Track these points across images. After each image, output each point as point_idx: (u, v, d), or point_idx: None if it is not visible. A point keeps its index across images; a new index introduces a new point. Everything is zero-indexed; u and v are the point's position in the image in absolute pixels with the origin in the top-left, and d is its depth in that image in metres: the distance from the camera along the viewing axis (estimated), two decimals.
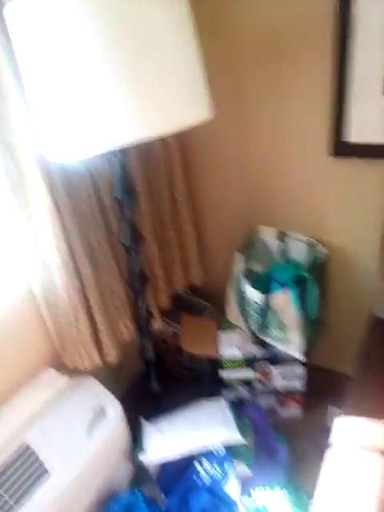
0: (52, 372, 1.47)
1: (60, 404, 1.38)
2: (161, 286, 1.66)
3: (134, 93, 0.91)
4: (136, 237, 1.32)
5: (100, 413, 1.40)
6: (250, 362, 1.63)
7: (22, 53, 0.93)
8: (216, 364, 1.66)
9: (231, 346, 1.64)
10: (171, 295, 1.75)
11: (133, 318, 1.56)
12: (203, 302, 1.87)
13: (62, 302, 1.33)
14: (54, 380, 1.44)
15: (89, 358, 1.43)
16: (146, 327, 1.47)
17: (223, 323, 1.73)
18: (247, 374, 1.66)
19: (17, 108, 1.08)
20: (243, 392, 1.72)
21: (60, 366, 1.48)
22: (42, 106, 0.96)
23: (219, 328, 1.72)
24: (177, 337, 1.79)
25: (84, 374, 1.47)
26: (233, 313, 1.66)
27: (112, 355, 1.46)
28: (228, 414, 1.55)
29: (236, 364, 1.63)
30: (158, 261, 1.62)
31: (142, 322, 1.45)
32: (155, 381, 1.59)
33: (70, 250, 1.28)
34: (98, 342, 1.44)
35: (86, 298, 1.37)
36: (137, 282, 1.38)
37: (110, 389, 1.46)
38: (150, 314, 1.47)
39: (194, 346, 1.67)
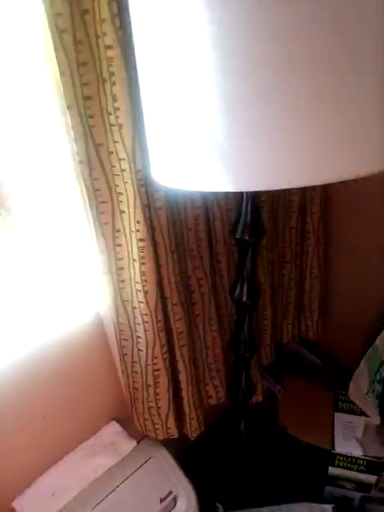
0: (117, 430, 1.18)
1: (121, 478, 1.07)
2: (266, 340, 1.28)
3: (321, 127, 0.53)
4: (255, 292, 0.94)
5: (170, 503, 1.08)
6: (372, 466, 1.20)
7: (149, 57, 0.58)
8: (324, 455, 1.25)
9: (350, 440, 1.21)
10: (277, 350, 1.36)
11: (225, 379, 1.20)
12: (315, 359, 1.45)
13: (141, 355, 1.00)
14: (118, 443, 1.15)
15: (163, 428, 1.10)
16: (245, 403, 1.10)
17: (341, 401, 1.30)
18: (366, 478, 1.23)
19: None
20: (354, 495, 1.30)
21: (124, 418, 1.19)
22: (169, 122, 0.61)
23: (335, 407, 1.29)
24: (274, 400, 1.40)
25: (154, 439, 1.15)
26: (359, 393, 1.23)
27: (194, 429, 1.11)
28: None
29: (353, 465, 1.21)
30: (269, 307, 1.23)
31: (240, 397, 1.08)
32: (240, 463, 1.22)
33: (160, 291, 0.94)
34: (178, 411, 1.10)
35: (172, 355, 1.03)
36: (244, 350, 1.01)
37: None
38: (253, 387, 1.10)
39: (297, 426, 1.27)
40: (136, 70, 0.67)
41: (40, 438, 1.04)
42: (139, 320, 0.96)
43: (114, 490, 1.05)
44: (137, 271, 0.90)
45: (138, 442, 1.16)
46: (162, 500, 1.07)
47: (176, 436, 1.12)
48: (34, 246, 0.97)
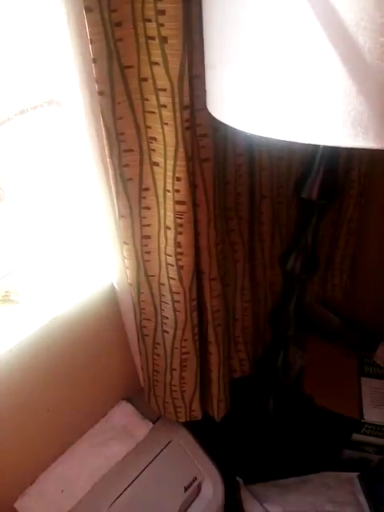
0: (128, 411, 1.03)
1: (138, 468, 0.94)
2: None
3: None
4: (313, 265, 0.76)
5: (195, 489, 0.97)
6: None
7: None
8: (351, 423, 1.18)
9: (378, 407, 1.13)
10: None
11: (252, 351, 1.05)
12: (338, 320, 1.33)
13: (167, 337, 0.83)
14: (132, 426, 1.00)
15: (186, 411, 0.96)
16: (278, 382, 0.97)
17: (367, 364, 1.20)
18: None
19: None
20: (373, 457, 1.25)
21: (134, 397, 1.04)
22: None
23: (360, 370, 1.20)
24: (298, 362, 1.29)
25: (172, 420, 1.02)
26: None
27: (221, 410, 0.98)
28: (362, 502, 1.10)
29: (380, 432, 1.14)
30: None
31: (275, 376, 0.95)
32: (265, 438, 1.13)
33: (196, 265, 0.74)
34: (204, 392, 0.96)
35: (203, 336, 0.86)
36: (285, 328, 0.85)
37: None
38: (289, 366, 0.96)
39: (323, 394, 1.17)
40: None
41: (42, 425, 0.87)
42: (168, 298, 0.77)
43: (131, 483, 0.92)
44: (170, 241, 0.69)
45: (154, 423, 1.02)
46: (186, 488, 0.96)
47: (200, 418, 0.98)
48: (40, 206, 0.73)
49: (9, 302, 0.74)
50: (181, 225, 0.66)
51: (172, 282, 0.74)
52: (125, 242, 0.71)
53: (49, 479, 0.91)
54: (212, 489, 0.98)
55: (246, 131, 0.47)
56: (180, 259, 0.70)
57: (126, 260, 0.73)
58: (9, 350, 0.70)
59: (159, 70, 0.54)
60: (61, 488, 0.90)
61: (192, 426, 1.04)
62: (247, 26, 0.40)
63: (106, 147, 0.60)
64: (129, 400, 1.04)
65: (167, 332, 0.82)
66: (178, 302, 0.76)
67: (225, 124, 0.49)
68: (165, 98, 0.56)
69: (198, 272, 0.76)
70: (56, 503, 0.89)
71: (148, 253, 0.73)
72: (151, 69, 0.54)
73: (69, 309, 0.77)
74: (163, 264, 0.73)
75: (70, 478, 0.91)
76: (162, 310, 0.80)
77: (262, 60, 0.40)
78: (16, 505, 0.88)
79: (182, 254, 0.70)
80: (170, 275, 0.73)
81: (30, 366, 0.76)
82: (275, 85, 0.40)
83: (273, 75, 0.40)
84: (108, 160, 0.61)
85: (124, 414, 1.02)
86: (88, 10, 0.49)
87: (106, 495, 0.90)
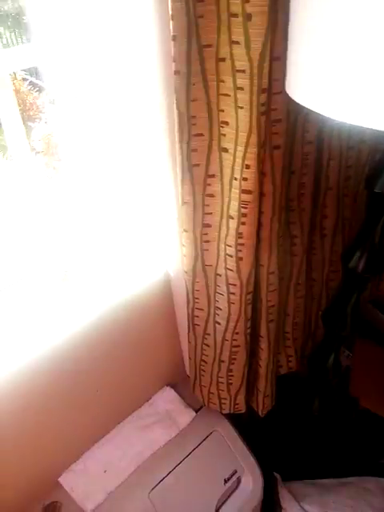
0: (172, 397, 1.03)
1: (180, 455, 0.94)
2: None
3: None
4: (379, 264, 0.72)
5: (234, 483, 0.96)
6: None
7: None
8: None
9: None
10: None
11: (301, 347, 1.02)
12: None
13: (219, 328, 0.81)
14: (175, 413, 1.00)
15: (230, 403, 0.94)
16: (327, 382, 0.94)
17: None
18: None
19: None
20: None
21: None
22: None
23: None
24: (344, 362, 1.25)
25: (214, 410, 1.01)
26: None
27: (266, 406, 0.96)
28: None
29: None
30: None
31: (324, 376, 0.92)
32: (309, 437, 1.10)
33: (256, 257, 0.71)
34: (250, 386, 0.94)
35: (255, 331, 0.84)
36: (341, 328, 0.81)
37: None
38: (340, 367, 0.92)
39: (368, 396, 1.13)
40: None
41: (90, 404, 0.88)
42: (223, 290, 0.75)
43: (172, 470, 0.92)
44: (231, 231, 0.67)
45: (196, 412, 1.01)
46: (225, 481, 0.95)
47: (243, 411, 0.97)
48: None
49: (67, 280, 0.75)
50: (245, 215, 0.64)
51: (229, 273, 0.72)
52: (185, 230, 0.69)
53: (93, 458, 0.92)
54: (251, 483, 0.96)
55: (329, 116, 0.43)
56: (240, 250, 0.68)
57: (183, 248, 0.72)
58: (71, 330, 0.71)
59: (239, 50, 0.51)
60: (104, 468, 0.91)
61: (233, 418, 1.03)
62: (338, 4, 0.36)
63: (176, 130, 0.58)
64: (173, 386, 1.04)
65: (219, 323, 0.80)
66: (233, 294, 0.74)
67: (295, 110, 0.46)
68: (242, 80, 0.53)
69: (257, 266, 0.73)
70: (98, 483, 0.90)
71: (207, 242, 0.71)
72: (231, 48, 0.51)
73: (124, 293, 0.77)
74: (222, 254, 0.71)
75: (113, 459, 0.92)
76: (215, 300, 0.78)
77: (350, 41, 0.37)
78: (60, 479, 0.90)
79: (242, 245, 0.67)
80: (228, 266, 0.71)
81: (84, 345, 0.77)
82: (363, 67, 0.37)
83: (361, 56, 0.37)
84: (177, 144, 0.59)
85: (168, 399, 1.02)
86: None
87: (146, 480, 0.90)
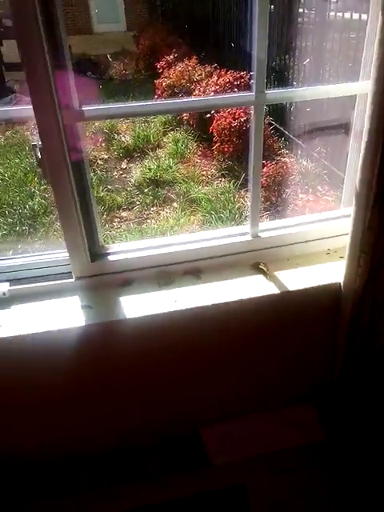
0: (312, 413, 1.09)
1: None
2: None
3: None
4: None
5: None
6: None
7: None
8: None
9: None
10: None
11: None
12: None
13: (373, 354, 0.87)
14: (309, 428, 1.07)
15: None
16: None
17: None
18: None
19: None
20: None
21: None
22: None
23: None
24: None
25: None
26: None
27: None
28: None
29: None
30: None
31: None
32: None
33: None
34: None
35: None
36: None
37: None
38: None
39: None
40: None
41: (239, 378, 1.03)
42: None
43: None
44: None
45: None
46: None
47: None
48: None
49: (258, 270, 0.93)
50: None
51: None
52: (364, 252, 0.80)
53: (240, 426, 1.07)
54: None
55: None
56: None
57: (359, 268, 0.82)
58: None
59: None
60: (244, 438, 1.06)
61: None
62: None
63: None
64: (313, 401, 1.10)
65: (375, 349, 0.86)
66: None
67: None
68: None
69: None
70: (236, 447, 1.04)
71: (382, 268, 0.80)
72: None
73: (298, 291, 0.90)
74: None
75: (252, 436, 1.06)
76: (375, 325, 0.84)
77: None
78: (202, 431, 1.08)
79: None
80: None
81: (251, 326, 0.93)
82: None
83: None
84: (376, 171, 0.71)
85: (308, 413, 1.09)
86: None
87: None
